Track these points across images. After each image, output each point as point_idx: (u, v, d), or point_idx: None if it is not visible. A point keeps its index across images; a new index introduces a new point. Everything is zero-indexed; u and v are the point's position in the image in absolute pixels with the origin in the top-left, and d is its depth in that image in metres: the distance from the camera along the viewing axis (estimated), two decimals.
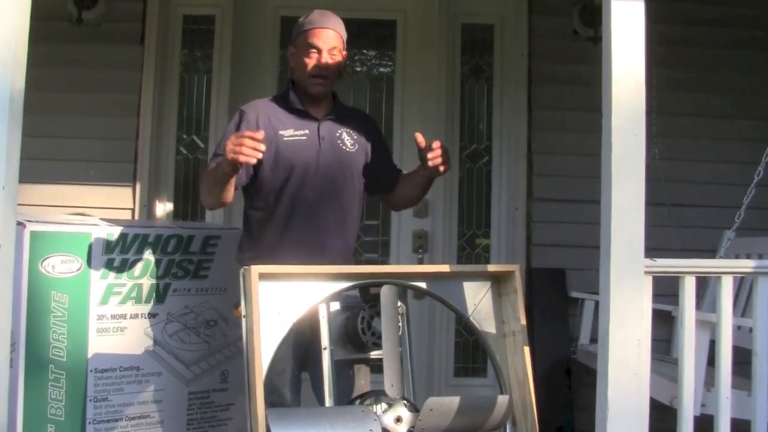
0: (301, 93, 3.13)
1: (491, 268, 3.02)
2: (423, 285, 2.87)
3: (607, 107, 2.57)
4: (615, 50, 2.57)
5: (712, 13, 4.70)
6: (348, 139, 3.14)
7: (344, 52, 3.14)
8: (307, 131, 3.08)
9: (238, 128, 3.03)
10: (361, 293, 2.93)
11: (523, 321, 2.85)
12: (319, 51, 3.06)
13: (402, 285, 2.86)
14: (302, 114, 3.11)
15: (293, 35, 3.16)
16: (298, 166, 3.03)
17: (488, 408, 2.71)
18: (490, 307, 2.93)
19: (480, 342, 2.99)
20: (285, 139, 3.04)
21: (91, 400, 3.16)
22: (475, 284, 2.93)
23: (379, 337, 2.77)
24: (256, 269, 2.60)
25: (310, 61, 3.06)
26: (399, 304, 2.81)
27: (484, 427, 2.74)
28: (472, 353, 4.81)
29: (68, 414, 3.11)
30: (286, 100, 3.14)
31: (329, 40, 3.07)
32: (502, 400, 2.72)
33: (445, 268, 2.95)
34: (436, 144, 2.95)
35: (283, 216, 3.00)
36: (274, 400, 2.93)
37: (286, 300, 2.67)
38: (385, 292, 2.73)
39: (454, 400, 2.63)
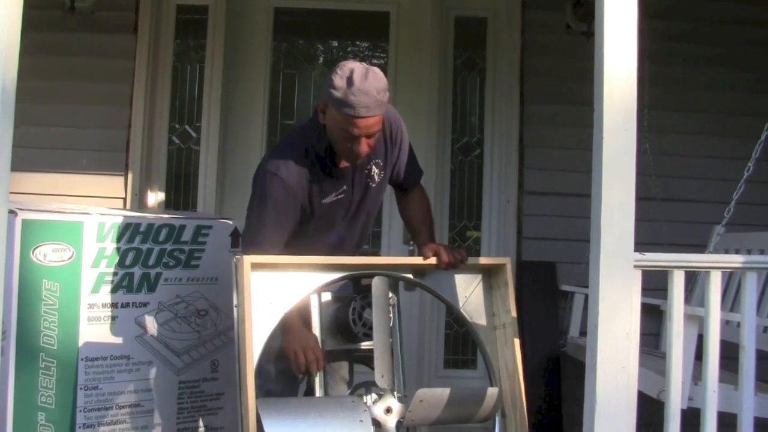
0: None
1: (482, 260, 3.04)
2: (413, 276, 2.89)
3: (599, 103, 2.58)
4: (608, 47, 2.57)
5: (707, 9, 4.71)
6: (375, 171, 2.99)
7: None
8: (344, 187, 2.93)
9: (285, 204, 2.83)
10: (352, 284, 2.95)
11: (514, 313, 2.87)
12: (359, 138, 2.75)
13: (394, 276, 2.87)
14: (339, 175, 2.94)
15: (328, 96, 2.75)
16: (332, 223, 2.97)
17: (478, 400, 2.73)
18: (481, 299, 2.95)
19: (470, 334, 3.00)
20: (326, 205, 2.92)
21: (81, 389, 3.16)
22: (466, 277, 2.94)
23: (370, 327, 2.78)
24: (248, 259, 2.61)
25: (348, 146, 2.78)
26: (390, 295, 2.82)
27: (473, 418, 2.76)
28: (461, 345, 4.83)
29: (58, 402, 3.11)
30: (325, 166, 2.88)
31: (371, 127, 2.75)
32: (492, 392, 2.74)
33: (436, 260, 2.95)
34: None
35: (301, 249, 2.90)
36: (269, 389, 2.94)
37: (278, 290, 2.68)
38: (377, 284, 2.74)
39: (445, 392, 2.65)
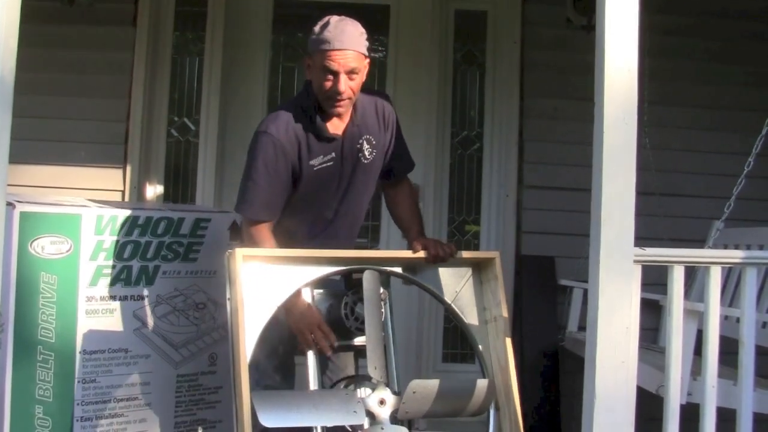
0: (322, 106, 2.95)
1: (470, 254, 3.03)
2: (405, 271, 2.89)
3: (600, 97, 2.57)
4: (608, 41, 2.56)
5: (708, 3, 4.70)
6: (367, 148, 3.01)
7: (366, 62, 2.91)
8: (333, 154, 2.95)
9: (275, 160, 2.87)
10: (344, 280, 2.95)
11: (504, 307, 2.88)
12: (336, 75, 2.82)
13: (383, 272, 2.87)
14: (328, 137, 2.96)
15: (309, 47, 2.92)
16: (324, 193, 2.98)
17: (469, 392, 2.73)
18: (472, 293, 2.96)
19: (462, 328, 3.01)
20: (315, 169, 2.93)
21: (79, 382, 3.15)
22: (456, 271, 2.95)
23: (363, 322, 2.78)
24: (240, 251, 2.61)
25: (327, 85, 2.84)
26: (381, 290, 2.83)
27: (467, 411, 2.77)
28: (460, 339, 4.82)
29: (56, 395, 3.11)
30: (314, 125, 2.92)
31: (347, 62, 2.82)
32: (482, 384, 2.74)
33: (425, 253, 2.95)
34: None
35: (296, 227, 2.96)
36: (267, 384, 2.94)
37: (270, 282, 2.68)
38: (368, 278, 2.75)
39: (437, 384, 2.65)
